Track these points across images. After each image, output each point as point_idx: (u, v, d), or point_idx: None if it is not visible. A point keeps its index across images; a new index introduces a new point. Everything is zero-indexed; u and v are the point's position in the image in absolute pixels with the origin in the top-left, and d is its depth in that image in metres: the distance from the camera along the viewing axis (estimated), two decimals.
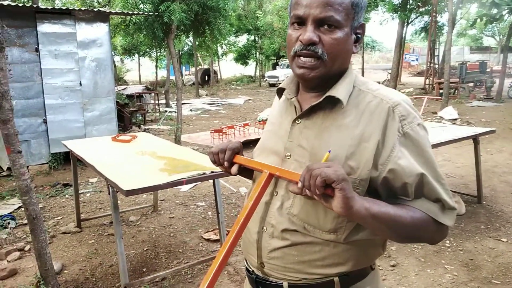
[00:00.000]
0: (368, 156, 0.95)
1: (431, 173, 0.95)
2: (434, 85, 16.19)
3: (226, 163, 1.10)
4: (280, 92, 1.15)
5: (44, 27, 5.89)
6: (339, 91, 0.99)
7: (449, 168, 5.79)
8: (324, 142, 0.99)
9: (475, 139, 4.27)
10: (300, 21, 0.97)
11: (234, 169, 1.11)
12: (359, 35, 1.02)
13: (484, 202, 4.39)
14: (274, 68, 28.10)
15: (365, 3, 1.01)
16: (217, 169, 2.72)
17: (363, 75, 18.30)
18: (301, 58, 0.97)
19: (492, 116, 10.39)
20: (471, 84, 16.02)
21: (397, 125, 0.95)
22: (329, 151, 0.94)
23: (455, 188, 4.87)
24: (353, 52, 1.02)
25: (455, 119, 9.80)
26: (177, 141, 7.20)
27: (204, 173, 2.68)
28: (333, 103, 1.00)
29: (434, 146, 3.89)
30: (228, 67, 32.84)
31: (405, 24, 18.85)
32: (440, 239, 1.01)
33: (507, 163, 5.97)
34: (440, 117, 10.19)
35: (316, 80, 1.00)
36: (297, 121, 1.06)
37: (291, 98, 1.09)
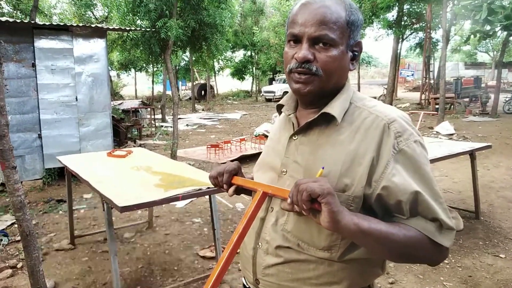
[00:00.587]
0: (362, 173, 0.95)
1: (427, 191, 0.93)
2: (430, 100, 16.32)
3: (225, 186, 1.13)
4: (279, 108, 1.17)
5: (41, 43, 5.90)
6: (334, 108, 1.00)
7: (447, 184, 5.78)
8: (318, 159, 1.00)
9: (471, 154, 4.27)
10: (296, 39, 0.99)
11: (230, 191, 1.13)
12: (356, 53, 1.03)
13: (482, 218, 4.37)
14: (270, 83, 28.32)
15: (361, 21, 1.01)
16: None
17: (359, 90, 18.53)
18: (297, 74, 0.99)
19: (488, 131, 10.45)
20: (467, 99, 16.18)
21: (392, 142, 0.94)
22: (323, 168, 0.95)
23: (452, 203, 4.85)
24: (350, 70, 1.03)
25: (452, 134, 9.84)
26: (173, 156, 7.17)
27: (200, 189, 2.65)
28: (328, 120, 1.01)
29: (431, 161, 3.89)
30: (224, 82, 33.03)
31: (400, 40, 19.10)
32: (439, 260, 0.98)
33: (504, 178, 5.97)
34: (437, 132, 10.23)
35: (311, 94, 1.01)
36: (294, 137, 1.07)
37: (289, 115, 1.11)
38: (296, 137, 1.06)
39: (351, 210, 0.94)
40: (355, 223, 0.86)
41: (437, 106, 12.87)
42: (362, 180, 0.95)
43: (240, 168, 1.16)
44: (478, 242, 3.80)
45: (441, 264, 3.34)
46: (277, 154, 1.11)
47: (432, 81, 17.95)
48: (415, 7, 17.00)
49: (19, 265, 3.48)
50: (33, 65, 5.86)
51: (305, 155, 1.03)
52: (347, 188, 0.96)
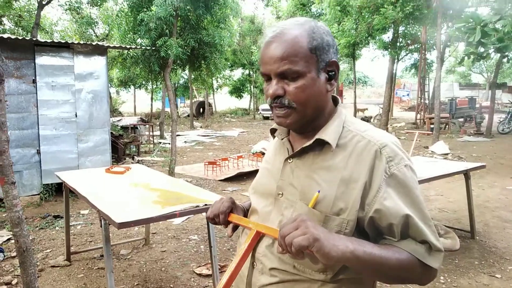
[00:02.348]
0: (356, 197, 0.97)
1: (417, 214, 0.97)
2: (425, 120, 16.49)
3: (223, 226, 1.16)
4: (273, 132, 1.19)
5: (42, 60, 5.98)
6: (328, 134, 1.03)
7: (442, 203, 5.81)
8: (314, 183, 1.02)
9: (466, 174, 4.31)
10: (267, 77, 1.03)
11: (229, 231, 1.17)
12: (333, 72, 1.04)
13: (477, 238, 4.39)
14: None
15: (328, 42, 1.02)
16: (211, 201, 2.73)
17: (355, 109, 18.52)
18: (276, 108, 1.03)
19: (483, 151, 10.54)
20: (461, 120, 16.35)
21: (384, 166, 0.97)
22: (318, 192, 0.99)
23: (448, 223, 4.87)
24: (328, 90, 1.04)
25: (447, 154, 9.91)
26: (171, 173, 7.19)
27: (197, 206, 2.66)
28: (322, 145, 1.04)
29: (427, 180, 3.93)
30: (223, 100, 33.24)
31: (396, 60, 19.39)
32: (427, 281, 1.01)
33: (499, 198, 6.01)
34: (432, 151, 10.31)
35: (294, 125, 1.05)
36: (289, 161, 1.09)
37: (282, 139, 1.15)
38: (291, 160, 1.09)
39: (346, 233, 0.98)
40: (351, 250, 0.88)
41: (432, 126, 13.01)
42: (355, 204, 0.97)
43: (234, 203, 1.18)
44: (473, 261, 3.80)
45: (437, 283, 3.35)
46: (273, 177, 1.13)
47: (427, 101, 18.17)
48: (410, 29, 17.36)
49: (14, 282, 3.45)
50: (34, 81, 5.93)
51: (301, 179, 1.05)
52: (341, 212, 0.98)
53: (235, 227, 1.17)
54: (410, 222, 0.95)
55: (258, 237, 1.04)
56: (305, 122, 1.05)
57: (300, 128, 1.08)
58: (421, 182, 3.89)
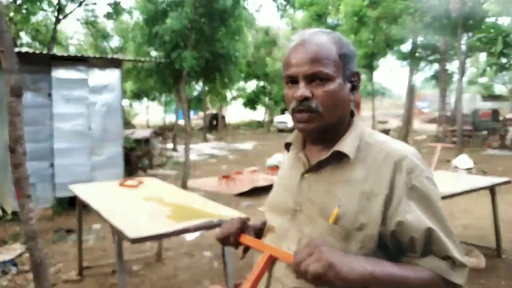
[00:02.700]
0: (377, 211, 0.95)
1: (440, 227, 0.95)
2: (447, 133, 16.15)
3: (234, 248, 1.14)
4: (287, 146, 1.18)
5: (59, 73, 6.03)
6: (346, 145, 1.01)
7: (467, 219, 5.59)
8: (333, 197, 0.99)
9: (492, 189, 4.16)
10: (293, 80, 1.02)
11: (241, 253, 1.15)
12: (355, 83, 1.05)
13: (504, 256, 4.19)
14: (282, 113, 28.46)
15: (353, 53, 1.04)
16: (226, 216, 2.64)
17: (373, 121, 18.27)
18: (299, 114, 1.01)
19: (508, 165, 10.24)
20: (485, 132, 15.96)
21: (404, 178, 0.96)
22: (338, 206, 0.96)
23: (473, 240, 4.65)
24: (351, 100, 1.05)
25: (470, 168, 9.61)
26: (184, 186, 7.12)
27: (211, 221, 2.60)
28: (340, 157, 1.01)
29: (450, 196, 3.78)
30: (236, 112, 33.36)
31: (415, 71, 19.16)
32: None
33: None
34: (455, 165, 10.02)
35: (316, 131, 1.03)
36: (305, 175, 1.06)
37: (298, 153, 1.12)
38: (308, 175, 1.06)
39: (369, 249, 0.95)
40: (369, 272, 0.87)
41: (454, 139, 12.71)
42: (378, 218, 0.95)
43: (244, 223, 1.15)
44: (500, 282, 3.62)
45: None
46: (290, 193, 1.09)
47: (449, 113, 17.82)
48: (430, 39, 17.15)
49: None
50: (49, 94, 5.97)
51: (319, 193, 1.02)
52: (363, 227, 0.95)
53: (247, 248, 1.13)
54: (433, 236, 0.93)
55: (271, 260, 1.01)
56: (327, 129, 1.03)
57: (320, 136, 1.06)
58: (444, 198, 3.73)
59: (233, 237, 1.11)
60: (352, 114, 1.10)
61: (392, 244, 0.97)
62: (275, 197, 1.18)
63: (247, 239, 1.10)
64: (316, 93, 0.98)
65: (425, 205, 0.96)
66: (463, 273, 0.95)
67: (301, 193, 1.06)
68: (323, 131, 1.03)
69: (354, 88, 1.05)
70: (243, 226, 1.13)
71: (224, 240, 1.13)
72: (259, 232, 1.20)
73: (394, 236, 0.96)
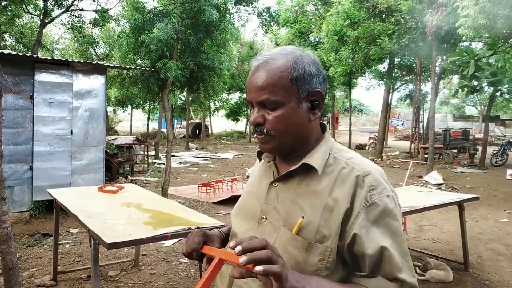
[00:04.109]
0: (337, 224, 0.96)
1: (395, 247, 0.95)
2: (419, 150, 16.61)
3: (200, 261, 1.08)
4: (259, 155, 1.19)
5: (42, 76, 6.02)
6: (315, 159, 1.03)
7: (435, 234, 5.78)
8: (298, 207, 1.01)
9: (460, 205, 4.30)
10: (252, 104, 1.05)
11: (204, 264, 1.07)
12: (317, 101, 1.04)
13: (471, 270, 4.35)
14: None
15: (311, 72, 1.02)
16: (203, 224, 2.70)
17: (350, 137, 18.64)
18: (257, 135, 1.06)
19: (476, 183, 10.59)
20: (455, 151, 16.50)
21: (365, 194, 0.97)
22: (303, 217, 0.97)
23: (441, 254, 4.84)
24: (311, 120, 1.05)
25: (440, 184, 9.94)
26: (164, 193, 7.13)
27: (189, 228, 2.63)
28: (308, 170, 1.03)
29: (420, 210, 3.94)
30: (219, 122, 33.38)
31: (391, 90, 19.70)
32: None
33: (493, 231, 5.99)
34: (426, 181, 10.33)
35: (274, 152, 1.08)
36: (274, 184, 1.08)
37: (269, 162, 1.14)
38: (277, 184, 1.07)
39: (329, 261, 0.96)
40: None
41: (426, 156, 13.10)
42: (337, 231, 0.96)
43: (205, 235, 1.09)
44: None
45: None
46: (257, 200, 1.11)
47: (421, 131, 18.36)
48: (406, 60, 17.73)
49: None
50: (31, 97, 5.93)
51: (286, 204, 1.03)
52: (325, 239, 0.96)
53: (210, 259, 1.11)
54: (385, 255, 0.94)
55: (221, 264, 0.97)
56: (286, 149, 1.06)
57: (283, 155, 1.09)
58: (414, 211, 3.89)
59: (195, 252, 1.05)
60: (324, 129, 1.12)
61: (350, 260, 0.98)
62: (243, 203, 1.19)
63: (206, 249, 1.08)
64: (268, 118, 1.01)
65: (382, 223, 0.96)
66: None
67: (268, 202, 1.07)
68: (281, 151, 1.06)
69: (315, 107, 1.04)
70: (203, 238, 1.08)
71: (190, 257, 1.08)
72: (226, 238, 1.19)
73: (350, 250, 0.96)
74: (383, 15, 13.87)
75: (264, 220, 1.06)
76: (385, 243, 0.94)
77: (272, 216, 1.05)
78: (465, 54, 7.79)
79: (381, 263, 0.94)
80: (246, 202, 1.18)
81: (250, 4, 9.41)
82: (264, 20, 10.66)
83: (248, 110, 27.85)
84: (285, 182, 1.06)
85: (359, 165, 1.02)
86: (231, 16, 8.86)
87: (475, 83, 8.01)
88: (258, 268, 0.79)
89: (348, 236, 0.96)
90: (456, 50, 8.74)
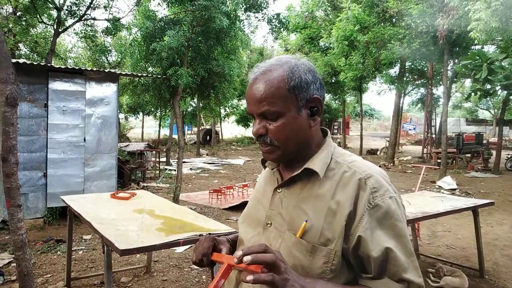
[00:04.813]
0: (341, 227, 0.98)
1: (400, 247, 0.96)
2: (432, 154, 16.41)
3: (210, 267, 1.13)
4: (264, 162, 1.21)
5: (55, 85, 6.12)
6: (316, 164, 1.05)
7: (450, 239, 5.69)
8: (302, 212, 1.03)
9: (474, 210, 4.24)
10: (253, 115, 1.07)
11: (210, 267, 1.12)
12: (315, 108, 1.06)
13: (486, 277, 4.27)
14: None
15: (307, 80, 1.04)
16: (215, 230, 2.71)
17: (361, 142, 18.50)
18: (261, 145, 1.08)
19: (491, 188, 10.41)
20: (469, 155, 16.25)
21: (368, 197, 0.98)
22: (306, 221, 0.99)
23: (456, 260, 4.76)
24: (311, 126, 1.07)
25: (454, 189, 9.80)
26: (175, 199, 7.16)
27: (201, 234, 2.63)
28: (310, 174, 1.05)
29: (434, 216, 3.88)
30: (229, 129, 33.48)
31: (402, 95, 19.55)
32: None
33: (508, 236, 5.88)
34: (439, 186, 10.20)
35: (278, 160, 1.10)
36: (278, 190, 1.10)
37: (273, 169, 1.17)
38: (280, 190, 1.10)
39: (334, 264, 0.97)
40: None
41: (439, 161, 12.93)
42: (342, 234, 0.97)
43: (214, 240, 1.12)
44: None
45: None
46: (263, 206, 1.13)
47: (434, 136, 18.15)
48: (417, 64, 17.60)
49: None
50: (45, 105, 6.04)
51: (289, 209, 1.05)
52: (329, 242, 0.98)
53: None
54: (390, 256, 0.95)
55: (230, 270, 0.98)
56: (289, 157, 1.08)
57: (287, 162, 1.11)
58: (428, 217, 3.84)
59: (206, 257, 1.08)
60: (325, 134, 1.14)
61: (355, 263, 0.99)
62: (249, 210, 1.22)
63: (215, 255, 1.09)
64: (270, 128, 1.03)
65: (386, 225, 0.97)
66: None
67: (273, 208, 1.09)
68: (285, 158, 1.08)
69: (314, 113, 1.06)
70: (212, 244, 1.10)
71: (200, 263, 1.10)
72: (234, 244, 1.21)
73: (355, 252, 0.97)
74: (394, 20, 13.82)
75: (269, 225, 1.08)
76: (390, 244, 0.95)
77: (277, 221, 1.07)
78: (478, 57, 7.69)
79: (386, 264, 0.95)
80: (252, 208, 1.20)
81: (260, 11, 9.47)
82: (274, 27, 10.71)
83: None
84: (289, 187, 1.09)
85: (361, 168, 1.03)
86: (241, 23, 8.93)
87: (488, 86, 7.90)
88: (263, 272, 0.83)
89: (353, 239, 0.97)
90: (468, 53, 8.63)
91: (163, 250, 4.75)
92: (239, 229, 1.22)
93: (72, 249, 4.50)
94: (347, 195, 1.00)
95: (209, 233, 2.65)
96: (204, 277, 4.20)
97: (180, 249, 4.97)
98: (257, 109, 1.03)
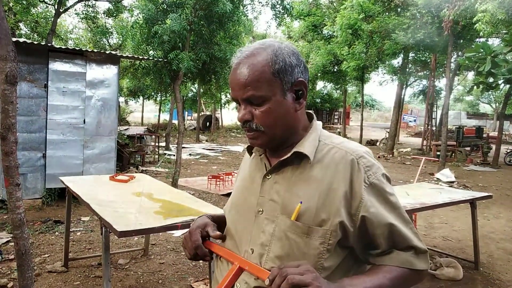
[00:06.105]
0: (336, 206, 0.99)
1: (399, 219, 1.02)
2: (431, 147, 16.42)
3: (206, 258, 1.11)
4: (250, 149, 1.20)
5: (56, 65, 6.07)
6: (306, 147, 1.05)
7: (446, 231, 5.73)
8: (294, 195, 1.02)
9: (472, 203, 4.25)
10: (238, 101, 1.06)
11: (208, 257, 1.11)
12: (300, 91, 1.05)
13: (481, 269, 4.30)
14: None
15: (291, 63, 1.02)
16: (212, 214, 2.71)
17: (361, 132, 18.50)
18: (246, 131, 1.07)
19: (489, 181, 10.45)
20: (468, 148, 16.26)
21: (363, 176, 1.01)
22: (301, 203, 1.00)
23: (452, 252, 4.79)
24: (297, 110, 1.06)
25: (452, 182, 9.83)
26: (174, 184, 7.17)
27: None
28: (300, 158, 1.05)
29: (432, 207, 3.89)
30: (229, 115, 33.41)
31: (404, 86, 19.46)
32: (419, 282, 1.07)
33: (504, 230, 5.91)
34: (437, 178, 10.23)
35: (265, 146, 1.09)
36: (267, 176, 1.09)
37: (260, 155, 1.15)
38: (270, 176, 1.08)
39: (330, 244, 0.99)
40: None
41: (438, 153, 12.94)
42: (337, 214, 0.99)
43: (204, 228, 1.12)
44: None
45: None
46: (252, 194, 1.11)
47: (434, 128, 18.13)
48: (420, 55, 17.48)
49: (10, 285, 3.43)
50: (45, 86, 6.00)
51: (281, 193, 1.05)
52: (324, 223, 0.99)
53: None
54: (394, 230, 1.00)
55: (240, 273, 1.00)
56: (276, 142, 1.07)
57: (274, 147, 1.10)
58: (425, 208, 3.86)
59: (200, 250, 1.09)
60: (311, 119, 1.14)
61: (361, 241, 1.02)
62: (236, 198, 1.19)
63: (215, 247, 1.09)
64: (255, 113, 1.02)
65: (383, 200, 1.01)
66: (426, 259, 1.03)
67: (263, 194, 1.08)
68: (272, 144, 1.07)
69: (299, 97, 1.05)
70: (204, 233, 1.11)
71: (196, 257, 1.11)
72: (223, 224, 1.20)
73: (361, 232, 1.00)
74: (399, 9, 13.66)
75: (260, 213, 1.07)
76: (391, 219, 1.00)
77: (268, 207, 1.06)
78: (482, 50, 7.65)
79: (393, 237, 1.01)
80: (240, 196, 1.18)
81: None
82: (278, 12, 10.58)
83: None
84: (278, 172, 1.08)
85: (351, 149, 1.05)
86: (245, 7, 8.81)
87: (491, 80, 7.87)
88: None
89: (357, 220, 0.99)
90: (473, 46, 8.58)
91: (160, 233, 4.78)
92: (227, 218, 1.20)
93: (70, 230, 4.51)
94: (340, 175, 1.01)
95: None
96: (201, 261, 4.22)
97: (177, 233, 4.99)
98: (242, 94, 1.02)
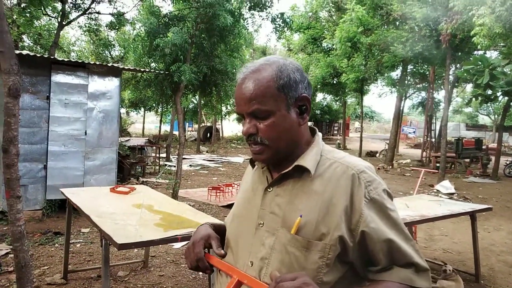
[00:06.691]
0: (337, 220, 1.00)
1: (399, 236, 1.02)
2: (431, 158, 16.43)
3: (207, 271, 1.12)
4: (253, 162, 1.22)
5: (58, 77, 6.13)
6: (307, 161, 1.06)
7: (446, 243, 5.71)
8: (295, 208, 1.03)
9: (472, 215, 4.25)
10: (243, 115, 1.08)
11: (209, 270, 1.12)
12: (304, 107, 1.08)
13: (482, 282, 4.28)
14: None
15: (295, 79, 1.05)
16: (213, 222, 2.71)
17: (360, 143, 18.49)
18: (251, 146, 1.08)
19: (489, 193, 10.43)
20: (468, 160, 16.26)
21: (363, 191, 1.01)
22: (301, 216, 1.00)
23: (452, 264, 4.77)
24: (301, 125, 1.08)
25: (452, 194, 9.81)
26: (174, 195, 7.17)
27: None
28: (301, 171, 1.06)
29: (432, 219, 3.88)
30: (230, 126, 33.52)
31: (403, 98, 19.55)
32: None
33: (505, 242, 5.89)
34: (437, 190, 10.21)
35: (268, 161, 1.10)
36: (269, 189, 1.10)
37: (262, 168, 1.17)
38: (271, 189, 1.10)
39: (329, 258, 0.99)
40: None
41: (438, 165, 12.95)
42: (337, 228, 0.99)
43: (206, 241, 1.13)
44: None
45: None
46: (254, 206, 1.12)
47: (433, 140, 18.17)
48: (419, 68, 17.61)
49: None
50: (48, 97, 6.05)
51: (282, 205, 1.06)
52: (323, 236, 0.99)
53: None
54: (394, 246, 1.00)
55: (240, 286, 1.01)
56: (280, 155, 1.08)
57: (276, 162, 1.11)
58: (425, 221, 3.85)
59: (201, 263, 1.10)
60: (313, 133, 1.16)
61: (361, 257, 1.02)
62: (238, 210, 1.20)
63: (215, 261, 1.10)
64: (260, 127, 1.04)
65: (384, 216, 1.01)
66: (427, 277, 1.01)
67: (264, 207, 1.09)
68: (276, 157, 1.08)
69: (303, 112, 1.08)
70: (206, 244, 1.12)
71: (197, 269, 1.12)
72: (223, 232, 1.22)
73: (361, 247, 1.00)
74: (397, 23, 13.81)
75: (261, 225, 1.08)
76: (391, 235, 1.00)
77: (269, 220, 1.07)
78: (480, 63, 7.72)
79: (392, 253, 1.00)
80: (242, 208, 1.19)
81: (264, 10, 9.46)
82: (278, 26, 10.71)
83: None
84: (280, 185, 1.09)
85: (352, 164, 1.06)
86: (245, 21, 8.93)
87: (490, 92, 7.93)
88: None
89: (357, 235, 1.00)
90: (471, 58, 8.66)
91: (160, 245, 4.76)
92: (227, 229, 1.21)
93: (70, 242, 4.50)
94: (341, 190, 1.02)
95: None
96: (200, 273, 4.21)
97: (177, 245, 4.98)
98: (247, 108, 1.04)
